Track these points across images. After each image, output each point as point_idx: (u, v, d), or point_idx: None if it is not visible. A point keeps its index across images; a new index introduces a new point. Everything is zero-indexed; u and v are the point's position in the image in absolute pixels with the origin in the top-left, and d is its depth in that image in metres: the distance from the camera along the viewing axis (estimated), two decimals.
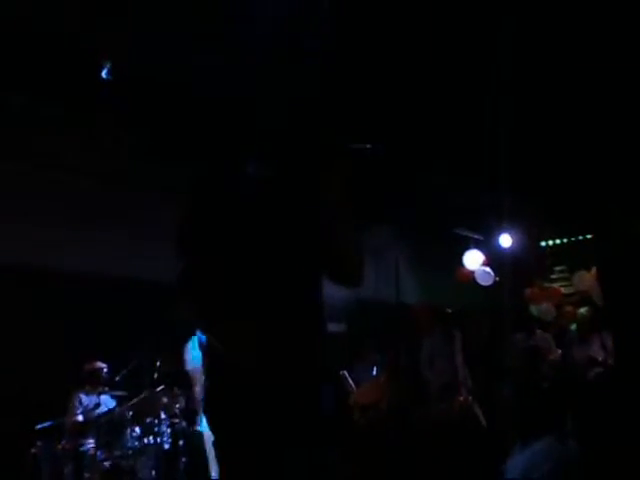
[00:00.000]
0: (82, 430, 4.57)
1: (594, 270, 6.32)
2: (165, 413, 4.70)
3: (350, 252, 1.53)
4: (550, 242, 7.71)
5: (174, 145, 4.43)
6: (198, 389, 4.47)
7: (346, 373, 5.18)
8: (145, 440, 4.51)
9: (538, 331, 6.42)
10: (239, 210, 1.46)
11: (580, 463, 2.20)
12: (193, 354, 3.42)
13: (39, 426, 4.45)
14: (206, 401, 1.51)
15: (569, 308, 6.72)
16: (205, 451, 3.60)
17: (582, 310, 6.32)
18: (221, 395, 1.44)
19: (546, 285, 7.28)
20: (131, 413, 4.58)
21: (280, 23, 1.52)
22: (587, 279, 6.27)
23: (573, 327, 6.26)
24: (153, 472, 4.44)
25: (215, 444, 1.45)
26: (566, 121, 4.97)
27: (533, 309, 6.57)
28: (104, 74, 3.45)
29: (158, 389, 4.73)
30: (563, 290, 7.46)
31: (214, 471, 3.42)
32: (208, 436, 3.55)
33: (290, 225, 1.48)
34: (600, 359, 4.99)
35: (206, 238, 1.46)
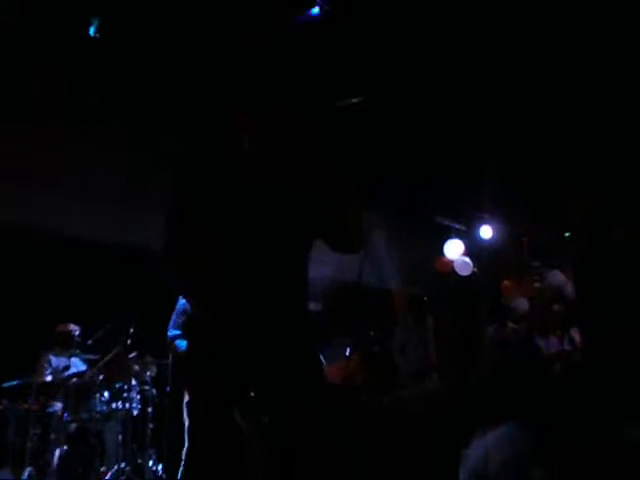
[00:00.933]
0: (50, 391, 4.55)
1: (567, 268, 6.43)
2: (136, 379, 4.70)
3: (350, 215, 1.53)
4: (529, 237, 7.80)
5: (165, 111, 4.36)
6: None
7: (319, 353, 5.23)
8: (114, 405, 4.51)
9: (509, 323, 6.54)
10: (230, 181, 1.44)
11: (536, 456, 2.25)
12: (175, 321, 3.42)
13: (6, 385, 4.42)
14: (185, 360, 1.52)
15: (542, 303, 6.83)
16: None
17: (554, 307, 6.45)
18: (200, 356, 1.44)
19: (522, 279, 7.39)
20: (101, 377, 4.57)
21: None
22: (559, 277, 6.38)
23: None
24: (120, 437, 4.45)
25: (189, 403, 1.46)
26: (552, 113, 4.99)
27: (506, 300, 6.67)
28: (92, 31, 3.36)
29: (130, 355, 4.72)
30: (537, 285, 7.58)
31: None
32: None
33: (280, 198, 1.47)
34: (566, 354, 5.11)
35: (197, 207, 1.45)
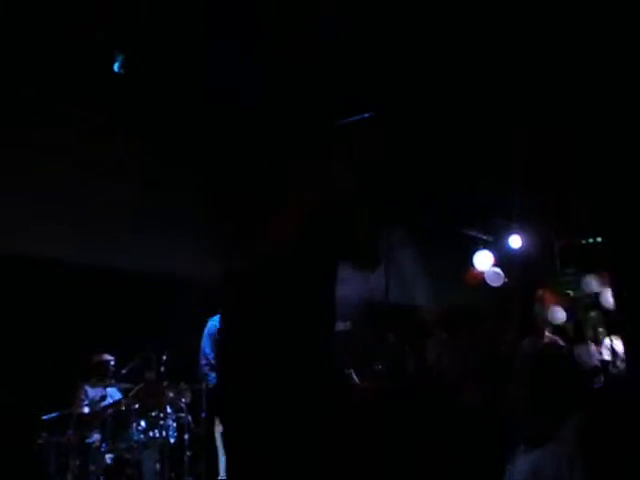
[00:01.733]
0: (88, 422, 4.58)
1: (603, 273, 6.28)
2: (171, 407, 4.71)
3: (367, 233, 1.52)
4: (560, 244, 7.66)
5: (184, 147, 4.43)
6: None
7: (352, 372, 5.17)
8: (150, 433, 4.51)
9: (547, 334, 6.39)
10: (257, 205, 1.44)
11: (582, 470, 2.18)
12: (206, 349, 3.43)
13: (45, 417, 4.47)
14: (218, 391, 1.51)
15: (577, 312, 6.68)
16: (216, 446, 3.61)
17: (592, 314, 6.29)
18: (233, 387, 1.43)
19: (556, 288, 7.24)
20: (137, 406, 4.59)
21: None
22: (595, 283, 6.23)
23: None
24: (158, 465, 4.45)
25: (224, 434, 1.45)
26: (578, 123, 4.93)
27: (541, 311, 6.53)
28: (116, 67, 3.44)
29: (164, 383, 4.74)
30: (572, 293, 7.42)
31: (221, 464, 3.43)
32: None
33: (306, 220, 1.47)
34: (609, 363, 4.96)
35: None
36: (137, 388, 4.62)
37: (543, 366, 2.47)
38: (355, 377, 5.22)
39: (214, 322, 3.48)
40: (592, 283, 6.33)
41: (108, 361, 4.95)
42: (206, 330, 3.47)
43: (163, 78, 3.86)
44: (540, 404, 2.43)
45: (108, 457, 4.41)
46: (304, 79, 1.57)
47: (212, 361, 3.59)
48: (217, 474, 3.49)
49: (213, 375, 3.25)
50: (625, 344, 4.44)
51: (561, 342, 6.03)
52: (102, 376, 4.87)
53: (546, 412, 2.39)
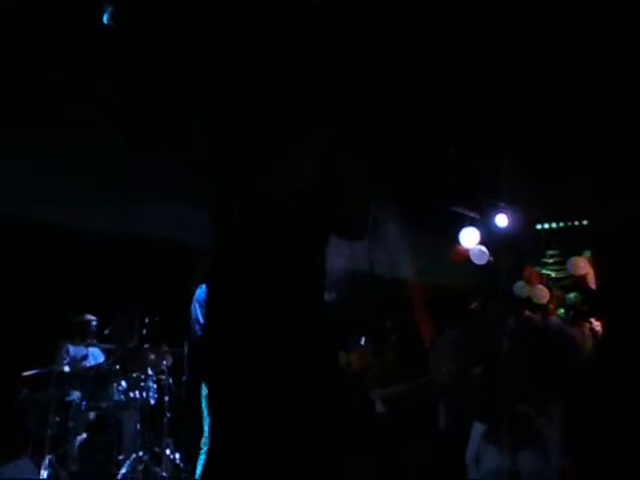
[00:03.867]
0: (68, 380, 4.60)
1: (586, 255, 6.35)
2: (152, 369, 4.74)
3: (357, 201, 1.51)
4: (546, 225, 7.72)
5: (174, 103, 4.35)
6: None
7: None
8: (131, 394, 4.55)
9: (526, 313, 6.48)
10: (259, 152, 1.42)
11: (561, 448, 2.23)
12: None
13: (25, 374, 4.48)
14: (203, 352, 1.51)
15: (558, 292, 6.77)
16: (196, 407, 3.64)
17: (571, 295, 6.38)
18: (221, 349, 1.44)
19: (538, 268, 7.32)
20: (118, 367, 4.61)
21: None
22: (581, 265, 6.29)
23: (561, 311, 6.31)
24: (137, 425, 4.49)
25: (209, 396, 1.46)
26: (567, 104, 4.93)
27: (526, 290, 6.60)
28: (105, 19, 3.35)
29: (146, 345, 4.76)
30: (553, 274, 7.51)
31: (206, 425, 3.46)
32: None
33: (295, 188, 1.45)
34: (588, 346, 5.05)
35: None
36: (119, 353, 4.63)
37: (551, 343, 2.50)
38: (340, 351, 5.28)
39: (202, 290, 3.48)
40: (577, 265, 6.39)
41: (90, 321, 4.95)
42: (196, 297, 3.47)
43: (151, 32, 3.76)
44: (540, 378, 2.47)
45: (88, 415, 4.44)
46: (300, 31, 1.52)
47: None
48: (199, 436, 3.53)
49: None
50: (604, 326, 4.52)
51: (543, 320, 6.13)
52: (84, 335, 4.88)
53: (544, 386, 2.44)
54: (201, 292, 3.50)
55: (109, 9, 3.30)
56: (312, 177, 1.42)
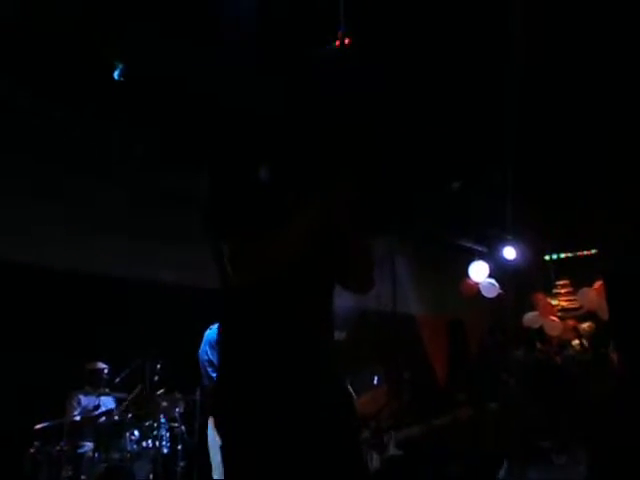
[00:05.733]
0: (80, 431, 4.54)
1: (597, 284, 6.30)
2: (164, 417, 4.68)
3: (362, 258, 1.54)
4: (554, 256, 7.70)
5: (185, 151, 4.44)
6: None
7: (347, 382, 5.16)
8: (144, 443, 4.49)
9: (538, 345, 6.41)
10: (256, 218, 1.45)
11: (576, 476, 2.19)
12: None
13: (37, 426, 4.43)
14: (216, 403, 1.50)
15: (571, 323, 6.70)
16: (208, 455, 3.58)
17: (584, 325, 6.31)
18: (232, 399, 1.43)
19: (550, 299, 7.26)
20: (130, 416, 4.56)
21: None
22: (591, 295, 6.23)
23: (575, 342, 6.24)
24: (151, 476, 4.42)
25: (223, 446, 1.44)
26: (573, 136, 4.97)
27: (537, 321, 6.53)
28: (116, 75, 3.46)
29: (158, 392, 4.71)
30: (565, 304, 7.44)
31: (216, 475, 3.40)
32: (212, 439, 3.53)
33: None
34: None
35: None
36: (130, 397, 4.59)
37: (562, 378, 2.48)
38: (350, 388, 5.20)
39: (213, 331, 3.46)
40: (588, 296, 6.34)
41: (102, 369, 4.91)
42: (206, 339, 3.45)
43: (162, 83, 3.88)
44: (554, 414, 2.44)
45: (101, 467, 4.37)
46: (299, 92, 1.58)
47: None
48: None
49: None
50: (619, 355, 4.45)
51: (554, 352, 6.05)
52: (96, 384, 4.83)
53: (559, 421, 2.40)
54: (211, 333, 3.49)
55: (120, 66, 3.42)
56: (312, 241, 1.45)
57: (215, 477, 3.36)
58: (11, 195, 4.60)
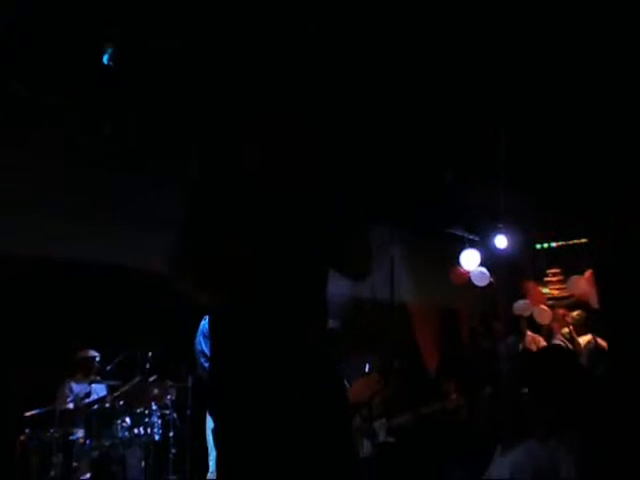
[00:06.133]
0: (72, 419, 4.55)
1: (587, 273, 6.35)
2: (156, 404, 4.69)
3: (359, 245, 1.54)
4: (545, 245, 7.73)
5: (175, 133, 4.41)
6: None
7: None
8: (135, 430, 4.50)
9: (529, 333, 6.45)
10: (244, 205, 1.44)
11: (565, 464, 2.21)
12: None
13: (28, 414, 4.43)
14: (211, 387, 1.50)
15: (561, 311, 6.75)
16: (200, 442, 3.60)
17: (574, 314, 6.35)
18: (227, 383, 1.43)
19: (540, 287, 7.30)
20: (122, 403, 4.57)
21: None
22: (581, 283, 6.27)
23: (565, 330, 6.29)
24: (142, 463, 4.44)
25: (216, 431, 1.45)
26: (565, 122, 4.97)
27: (527, 309, 6.56)
28: (106, 60, 3.41)
29: (150, 379, 4.72)
30: (556, 293, 7.49)
31: (211, 460, 3.42)
32: (210, 426, 3.54)
33: (297, 220, 1.47)
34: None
35: (215, 221, 1.45)
36: (123, 389, 4.60)
37: (548, 366, 2.49)
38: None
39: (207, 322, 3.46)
40: (578, 284, 6.38)
41: (93, 357, 4.91)
42: (200, 329, 3.45)
43: (153, 70, 3.84)
44: (541, 401, 2.45)
45: (92, 454, 4.38)
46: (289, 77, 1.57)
47: None
48: (204, 471, 3.49)
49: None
50: (609, 344, 4.50)
51: (543, 342, 6.10)
52: (87, 372, 4.84)
53: (547, 409, 2.42)
54: (206, 323, 3.49)
55: (109, 50, 3.37)
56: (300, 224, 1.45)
57: (211, 463, 3.38)
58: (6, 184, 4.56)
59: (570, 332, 6.12)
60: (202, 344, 3.39)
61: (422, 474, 4.33)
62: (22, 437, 4.35)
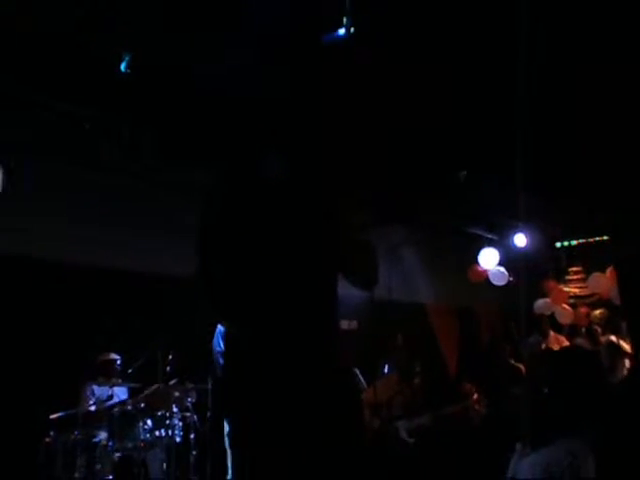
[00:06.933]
0: (94, 421, 4.60)
1: (609, 271, 6.25)
2: (177, 406, 4.73)
3: (365, 257, 1.55)
4: (565, 243, 7.64)
5: (192, 143, 4.44)
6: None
7: (357, 371, 5.18)
8: (157, 433, 4.54)
9: (552, 333, 6.38)
10: (259, 212, 1.45)
11: (596, 459, 2.18)
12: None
13: (52, 417, 4.49)
14: (224, 390, 1.52)
15: (583, 310, 6.66)
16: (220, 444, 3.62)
17: (596, 312, 6.27)
18: (239, 387, 1.44)
19: (561, 286, 7.21)
20: (143, 405, 4.61)
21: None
22: (603, 281, 6.18)
23: (589, 328, 6.20)
24: (164, 465, 4.47)
25: (231, 432, 1.46)
26: (584, 120, 4.91)
27: (548, 308, 6.49)
28: (123, 67, 3.45)
29: (170, 382, 4.76)
30: (577, 291, 7.39)
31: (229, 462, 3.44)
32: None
33: (308, 225, 1.48)
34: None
35: (228, 238, 1.46)
36: (146, 393, 4.64)
37: (569, 366, 2.46)
38: (360, 377, 5.22)
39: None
40: (599, 282, 6.29)
41: (115, 360, 4.97)
42: (218, 330, 3.48)
43: (167, 74, 3.86)
44: (561, 401, 2.43)
45: (114, 456, 4.43)
46: (303, 81, 1.57)
47: None
48: (224, 473, 3.51)
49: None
50: (633, 341, 4.42)
51: (566, 341, 6.03)
52: (109, 375, 4.89)
53: (567, 409, 2.39)
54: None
55: (127, 57, 3.40)
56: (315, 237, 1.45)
57: (230, 465, 3.39)
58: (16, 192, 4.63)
59: (593, 331, 6.03)
60: (221, 344, 3.41)
61: (442, 474, 4.30)
62: (47, 439, 4.41)
